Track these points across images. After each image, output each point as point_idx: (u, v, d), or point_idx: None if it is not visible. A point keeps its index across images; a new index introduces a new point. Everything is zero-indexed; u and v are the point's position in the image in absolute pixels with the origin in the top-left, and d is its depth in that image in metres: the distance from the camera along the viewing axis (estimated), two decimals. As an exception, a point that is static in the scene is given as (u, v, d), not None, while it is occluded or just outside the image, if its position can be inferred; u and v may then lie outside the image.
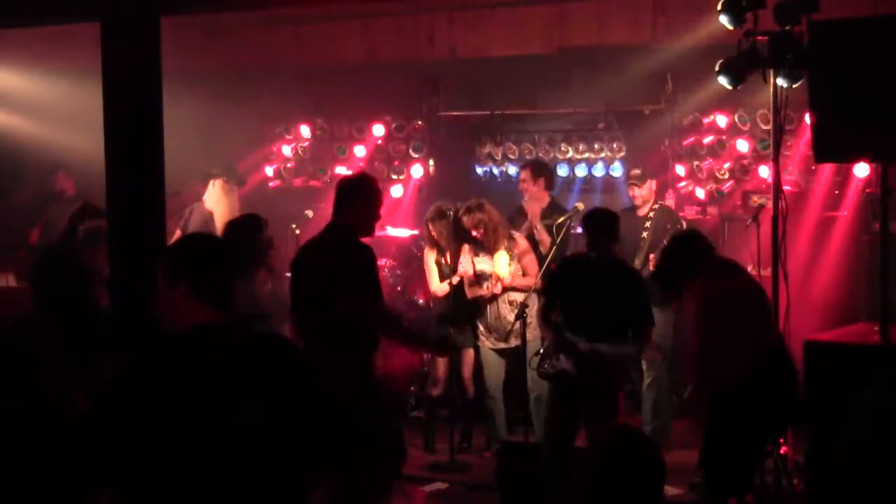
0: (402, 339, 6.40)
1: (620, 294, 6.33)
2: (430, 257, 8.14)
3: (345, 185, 6.09)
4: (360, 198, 5.92)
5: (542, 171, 8.72)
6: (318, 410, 3.41)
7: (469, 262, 7.84)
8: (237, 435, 3.19)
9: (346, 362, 5.65)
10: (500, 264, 7.73)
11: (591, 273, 6.40)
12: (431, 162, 10.65)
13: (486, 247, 7.79)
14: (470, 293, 7.88)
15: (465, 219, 7.74)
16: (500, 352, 7.87)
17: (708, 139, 9.43)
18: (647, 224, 8.02)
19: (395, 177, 10.71)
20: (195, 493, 3.18)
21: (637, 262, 7.80)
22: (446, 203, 8.15)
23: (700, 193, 9.42)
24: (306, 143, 11.11)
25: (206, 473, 3.17)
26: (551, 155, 9.91)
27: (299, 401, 3.34)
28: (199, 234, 4.50)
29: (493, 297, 7.78)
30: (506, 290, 7.75)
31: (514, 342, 7.66)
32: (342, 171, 10.70)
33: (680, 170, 9.52)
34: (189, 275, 3.34)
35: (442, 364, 8.19)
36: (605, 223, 6.42)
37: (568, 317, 6.44)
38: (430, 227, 7.98)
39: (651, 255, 7.87)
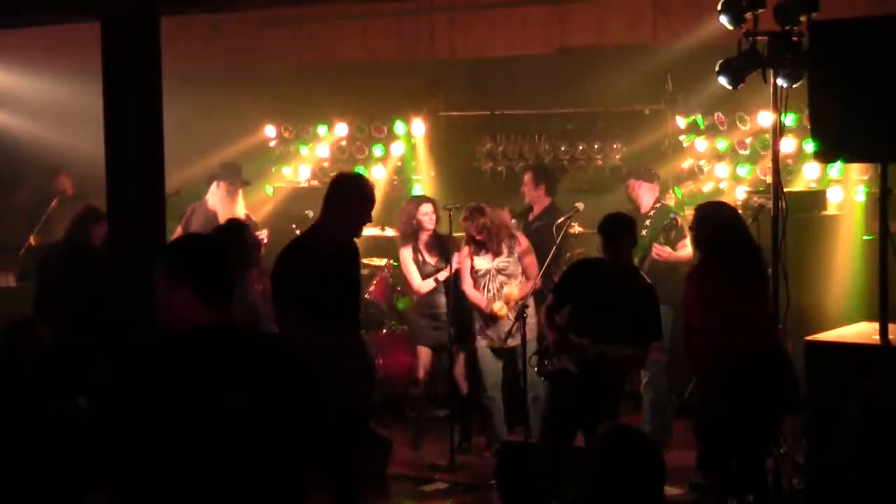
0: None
1: (632, 305, 6.28)
2: (407, 255, 8.20)
3: (329, 184, 6.09)
4: (334, 199, 5.91)
5: (543, 177, 8.78)
6: (315, 411, 3.42)
7: (468, 261, 7.88)
8: (237, 435, 3.19)
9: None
10: (509, 295, 7.78)
11: (605, 280, 6.34)
12: (432, 162, 10.65)
13: (488, 248, 7.81)
14: (473, 299, 7.90)
15: (467, 224, 7.75)
16: (496, 352, 7.87)
17: (708, 139, 9.42)
18: (647, 222, 8.04)
19: (394, 177, 10.72)
20: (194, 492, 3.18)
21: (636, 261, 7.79)
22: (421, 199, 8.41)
23: (700, 193, 9.42)
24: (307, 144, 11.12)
25: (205, 473, 3.17)
26: (551, 155, 9.91)
27: (298, 402, 3.34)
28: (200, 235, 4.51)
29: (489, 297, 7.82)
30: (501, 289, 7.81)
31: (512, 342, 7.67)
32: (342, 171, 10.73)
33: (680, 170, 9.51)
34: (193, 276, 3.33)
35: (422, 366, 8.30)
36: (622, 227, 6.38)
37: (575, 320, 6.42)
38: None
39: (654, 244, 7.86)
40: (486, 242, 7.77)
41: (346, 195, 5.93)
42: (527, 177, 8.81)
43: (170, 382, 3.19)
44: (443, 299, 8.10)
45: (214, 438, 3.16)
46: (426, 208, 8.17)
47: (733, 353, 5.86)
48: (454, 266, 7.89)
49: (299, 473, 3.39)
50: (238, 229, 6.91)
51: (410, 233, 8.19)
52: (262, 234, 8.59)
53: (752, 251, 6.13)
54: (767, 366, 5.90)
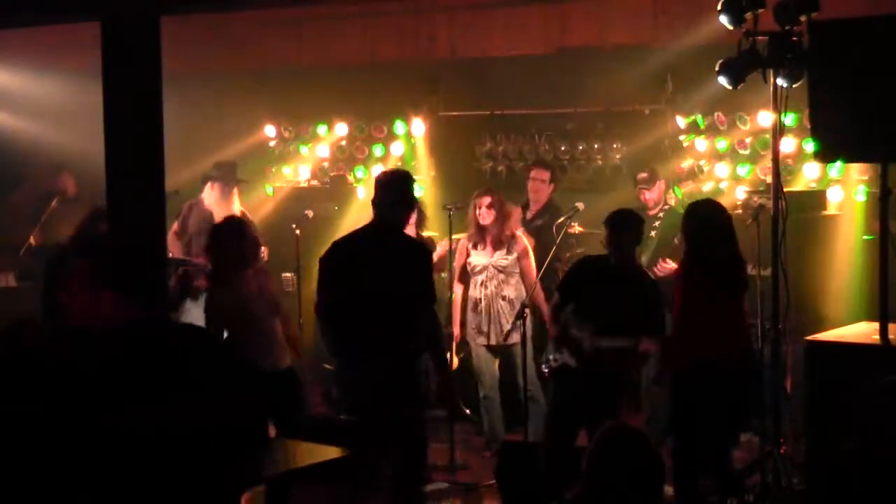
0: (435, 352, 6.17)
1: (634, 302, 6.29)
2: None
3: (393, 180, 6.14)
4: (394, 193, 5.98)
5: (556, 176, 8.85)
6: (241, 400, 3.39)
7: (463, 257, 7.88)
8: (162, 434, 3.16)
9: (396, 361, 5.82)
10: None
11: (608, 277, 6.36)
12: (432, 162, 10.65)
13: (489, 237, 7.77)
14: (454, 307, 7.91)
15: (482, 199, 7.73)
16: (492, 350, 7.87)
17: (708, 139, 9.42)
18: (656, 224, 8.05)
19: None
20: (120, 492, 3.16)
21: (644, 260, 7.80)
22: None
23: (700, 193, 9.41)
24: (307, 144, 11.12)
25: (130, 473, 3.15)
26: (551, 155, 9.90)
27: (222, 390, 3.32)
28: (120, 238, 4.50)
29: (487, 295, 7.82)
30: (499, 285, 7.82)
31: (511, 341, 7.66)
32: (342, 171, 10.74)
33: (680, 170, 9.51)
34: (118, 283, 3.31)
35: None
36: (627, 223, 6.39)
37: (578, 317, 6.42)
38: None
39: (659, 261, 7.86)
40: (489, 227, 7.73)
41: (405, 189, 6.06)
42: (539, 173, 8.76)
43: (92, 381, 3.17)
44: None
45: (138, 437, 3.14)
46: None
47: (698, 356, 5.89)
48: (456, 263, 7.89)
49: (230, 471, 3.35)
50: (237, 227, 6.88)
51: None
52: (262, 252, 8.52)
53: (728, 256, 6.09)
54: (730, 374, 5.96)
